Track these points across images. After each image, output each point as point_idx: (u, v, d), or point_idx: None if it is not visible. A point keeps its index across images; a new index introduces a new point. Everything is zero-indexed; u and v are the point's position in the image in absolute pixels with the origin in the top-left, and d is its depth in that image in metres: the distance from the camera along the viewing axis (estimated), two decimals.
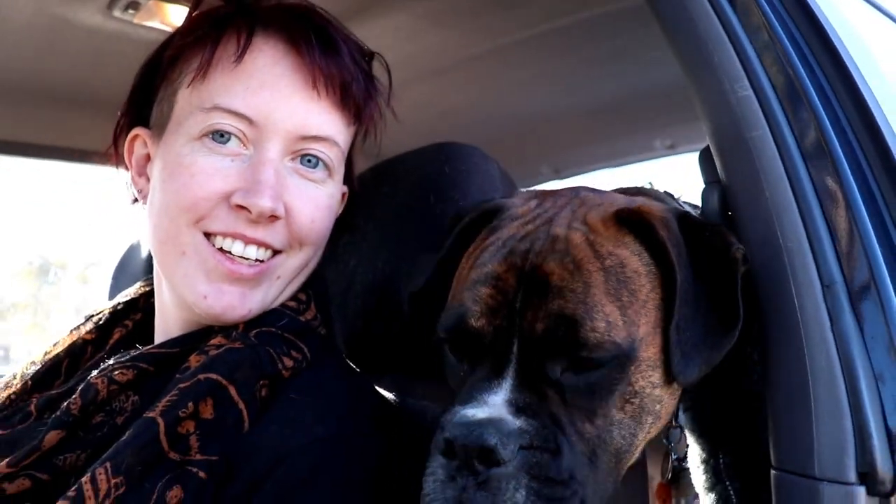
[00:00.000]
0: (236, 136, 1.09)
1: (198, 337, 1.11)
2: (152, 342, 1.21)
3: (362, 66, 1.19)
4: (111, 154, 1.25)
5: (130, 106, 1.24)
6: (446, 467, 0.87)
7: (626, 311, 0.92)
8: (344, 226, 1.21)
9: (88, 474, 0.95)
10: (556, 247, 0.95)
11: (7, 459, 1.02)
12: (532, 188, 1.13)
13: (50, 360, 1.22)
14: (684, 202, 1.17)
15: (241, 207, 1.07)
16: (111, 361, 1.09)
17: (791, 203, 0.97)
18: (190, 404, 0.98)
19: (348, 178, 1.23)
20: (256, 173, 1.08)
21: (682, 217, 0.99)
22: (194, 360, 1.05)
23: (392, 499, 0.99)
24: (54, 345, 1.25)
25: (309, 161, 1.13)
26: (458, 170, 1.16)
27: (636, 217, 0.96)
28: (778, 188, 0.98)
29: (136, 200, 1.23)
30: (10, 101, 2.06)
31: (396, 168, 1.27)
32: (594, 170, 2.90)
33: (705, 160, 1.12)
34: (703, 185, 1.13)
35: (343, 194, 1.22)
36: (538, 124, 2.62)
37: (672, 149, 2.68)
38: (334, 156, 1.16)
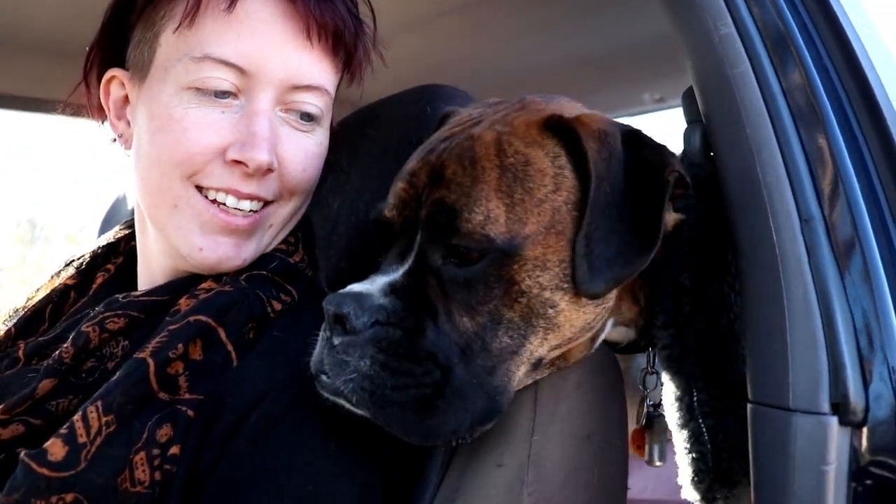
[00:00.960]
0: (229, 91, 1.08)
1: (186, 283, 1.12)
2: (135, 286, 1.21)
3: (353, 12, 1.18)
4: (84, 94, 1.23)
5: (102, 43, 1.22)
6: (323, 334, 0.95)
7: (514, 208, 0.94)
8: (326, 166, 1.21)
9: (80, 412, 0.96)
10: (464, 144, 0.98)
11: (0, 406, 1.03)
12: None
13: (33, 306, 1.22)
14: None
15: (237, 162, 1.07)
16: (101, 308, 1.10)
17: (771, 138, 0.97)
18: (180, 346, 0.99)
19: None
20: (251, 125, 1.07)
21: (630, 134, 0.99)
22: (184, 304, 1.06)
23: (370, 431, 1.00)
24: (36, 290, 1.25)
25: (303, 117, 1.13)
26: (439, 109, 1.16)
27: (566, 125, 0.98)
28: (758, 124, 0.98)
29: (114, 140, 1.22)
30: None
31: (378, 111, 1.26)
32: None
33: (687, 100, 1.12)
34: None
35: None
36: (526, 77, 2.60)
37: (661, 102, 2.67)
38: (324, 104, 1.15)
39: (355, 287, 0.95)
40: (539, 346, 0.97)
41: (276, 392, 0.99)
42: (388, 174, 1.07)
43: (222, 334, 1.02)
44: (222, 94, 1.07)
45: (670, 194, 0.96)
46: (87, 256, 1.28)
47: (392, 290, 0.95)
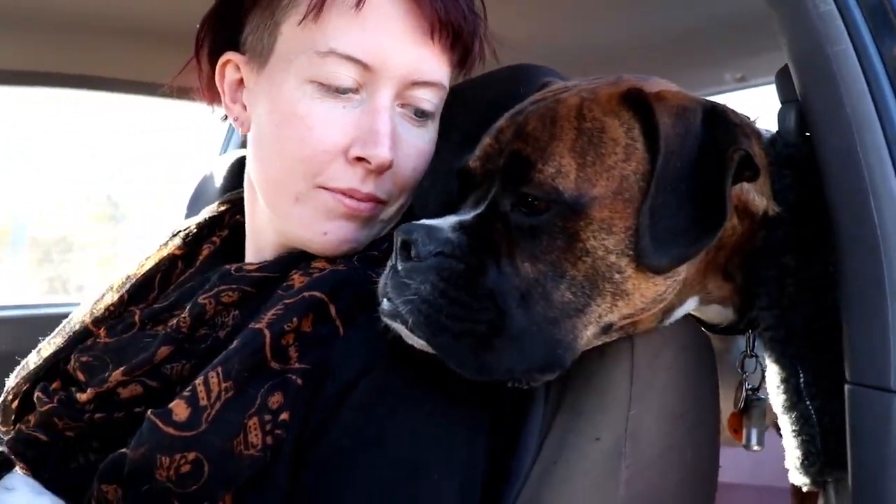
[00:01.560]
0: (351, 87, 1.10)
1: (295, 259, 1.16)
2: (239, 258, 1.27)
3: (472, 8, 1.19)
4: (195, 73, 1.28)
5: (214, 23, 1.26)
6: (390, 262, 1.00)
7: (584, 168, 0.97)
8: None
9: (202, 377, 1.02)
10: (549, 105, 1.03)
11: (122, 368, 1.10)
12: None
13: (143, 274, 1.29)
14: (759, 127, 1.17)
15: (360, 159, 1.10)
16: (215, 280, 1.16)
17: (873, 117, 0.96)
18: (294, 319, 1.04)
19: None
20: (373, 123, 1.10)
21: (712, 111, 1.00)
22: (298, 280, 1.10)
23: (473, 402, 1.03)
24: (147, 258, 1.31)
25: (419, 112, 1.16)
26: (531, 91, 1.17)
27: (643, 99, 1.00)
28: (860, 102, 0.97)
29: (224, 118, 1.27)
30: (85, 35, 2.12)
31: (470, 91, 1.28)
32: None
33: (782, 79, 1.11)
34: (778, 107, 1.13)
35: None
36: (603, 56, 2.59)
37: (742, 81, 2.63)
38: (438, 99, 1.18)
39: (427, 220, 0.99)
40: (609, 312, 0.99)
41: (382, 364, 1.02)
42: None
43: (332, 310, 1.06)
44: (344, 89, 1.10)
45: (733, 171, 0.95)
46: (192, 228, 1.34)
47: (461, 227, 0.99)
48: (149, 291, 1.26)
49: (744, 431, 1.23)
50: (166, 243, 1.33)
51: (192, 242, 1.32)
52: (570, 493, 0.99)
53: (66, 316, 1.31)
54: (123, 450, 1.01)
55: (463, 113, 1.27)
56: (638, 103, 1.00)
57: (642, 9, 2.26)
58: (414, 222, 0.98)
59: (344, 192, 1.11)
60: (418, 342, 0.97)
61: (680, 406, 1.03)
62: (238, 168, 1.85)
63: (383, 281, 0.99)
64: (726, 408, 1.26)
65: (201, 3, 1.27)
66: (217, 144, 2.78)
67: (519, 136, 1.01)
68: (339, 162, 1.11)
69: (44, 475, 1.06)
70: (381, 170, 1.11)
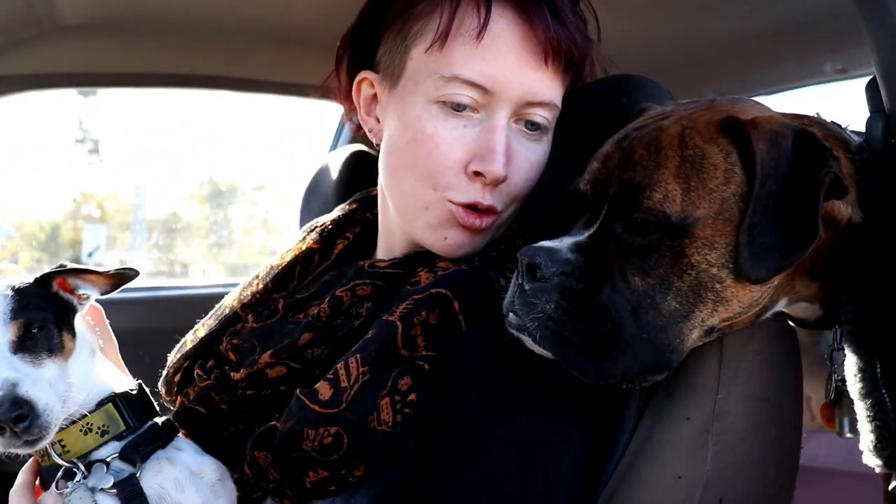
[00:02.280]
0: (470, 105, 1.23)
1: (421, 258, 1.31)
2: (370, 252, 1.42)
3: (584, 32, 1.30)
4: (331, 87, 1.44)
5: (353, 41, 1.40)
6: (515, 281, 1.10)
7: (689, 192, 1.06)
8: None
9: (342, 362, 1.17)
10: (652, 133, 1.12)
11: (269, 351, 1.26)
12: None
13: (285, 265, 1.45)
14: (851, 131, 1.23)
15: (477, 173, 1.23)
16: (351, 275, 1.31)
17: None
18: (423, 312, 1.18)
19: None
20: (490, 140, 1.22)
21: (801, 135, 1.07)
22: (425, 277, 1.25)
23: (582, 388, 1.13)
24: (287, 251, 1.48)
25: (531, 125, 1.27)
26: (635, 100, 1.27)
27: (739, 126, 1.08)
28: None
29: (359, 129, 1.43)
30: (227, 38, 2.31)
31: (576, 101, 1.36)
32: (762, 94, 2.84)
33: (871, 90, 1.18)
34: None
35: None
36: (703, 49, 2.61)
37: (843, 73, 2.61)
38: (551, 116, 1.29)
39: (546, 243, 1.10)
40: (710, 317, 1.08)
41: (501, 355, 1.15)
42: (584, 160, 1.20)
43: (456, 305, 1.20)
44: (464, 108, 1.23)
45: (825, 192, 1.03)
46: (328, 224, 1.50)
47: (577, 248, 1.09)
48: (289, 281, 1.43)
49: (836, 420, 1.30)
50: (304, 238, 1.49)
51: (328, 237, 1.47)
52: (661, 466, 1.10)
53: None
54: (274, 423, 1.18)
55: (572, 122, 1.36)
56: (734, 130, 1.08)
57: (743, 2, 2.29)
58: (535, 245, 1.08)
59: (466, 206, 1.25)
60: (544, 352, 1.08)
61: (764, 390, 1.12)
62: (353, 163, 1.98)
63: (510, 298, 1.10)
64: (818, 398, 1.34)
65: (347, 18, 1.41)
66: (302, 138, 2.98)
67: (627, 164, 1.11)
68: (461, 176, 1.24)
69: (202, 441, 1.23)
70: (496, 183, 1.23)
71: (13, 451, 1.06)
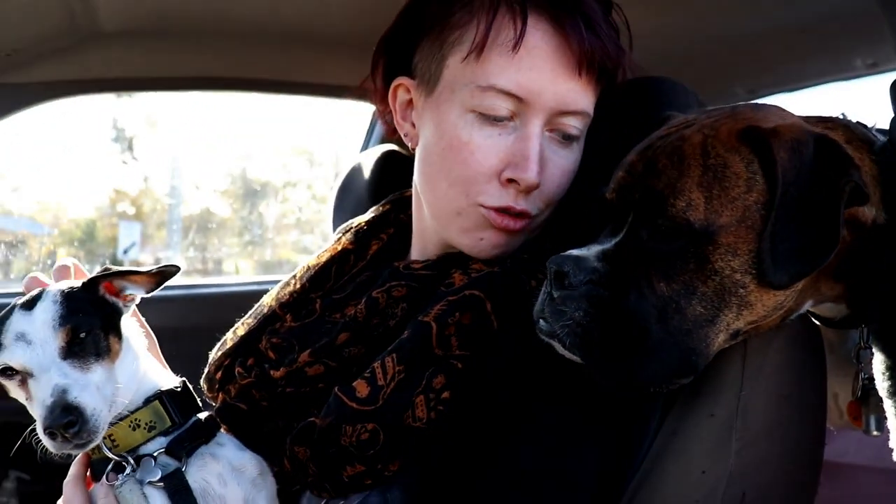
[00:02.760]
0: (506, 115, 1.26)
1: (454, 259, 1.34)
2: (405, 253, 1.46)
3: (617, 43, 1.32)
4: (369, 90, 1.47)
5: (387, 49, 1.44)
6: (545, 289, 1.13)
7: (711, 201, 1.08)
8: None
9: (379, 361, 1.22)
10: (675, 143, 1.13)
11: (308, 350, 1.31)
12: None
13: (321, 265, 1.49)
14: (877, 130, 1.24)
15: (511, 181, 1.27)
16: (386, 276, 1.35)
17: None
18: (457, 314, 1.22)
19: None
20: (524, 149, 1.26)
21: (822, 143, 1.09)
22: (458, 279, 1.29)
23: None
24: (324, 251, 1.53)
25: (565, 135, 1.30)
26: (659, 107, 1.29)
27: (760, 134, 1.10)
28: None
29: (393, 132, 1.47)
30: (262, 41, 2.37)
31: (602, 106, 1.37)
32: (791, 90, 2.83)
33: (895, 91, 1.19)
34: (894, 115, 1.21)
35: None
36: (731, 43, 2.59)
37: (874, 67, 2.59)
38: (584, 125, 1.32)
39: (574, 251, 1.13)
40: (735, 320, 1.11)
41: (532, 354, 1.18)
42: (608, 167, 1.22)
43: (489, 306, 1.24)
44: (500, 118, 1.26)
45: (846, 200, 1.05)
46: (363, 225, 1.54)
47: (604, 256, 1.12)
48: (326, 280, 1.47)
49: (863, 418, 1.31)
50: (339, 238, 1.53)
51: (363, 238, 1.51)
52: (686, 461, 1.13)
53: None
54: (313, 419, 1.23)
55: (597, 131, 1.39)
56: (756, 139, 1.10)
57: None
58: (564, 254, 1.11)
59: (497, 210, 1.28)
60: (574, 357, 1.11)
61: (787, 388, 1.15)
62: (385, 163, 2.01)
63: (539, 305, 1.13)
64: (846, 396, 1.35)
65: (385, 22, 1.45)
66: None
67: (651, 173, 1.13)
68: (494, 182, 1.28)
69: (242, 437, 1.27)
70: (529, 190, 1.27)
71: (65, 451, 1.11)
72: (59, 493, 1.23)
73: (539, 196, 1.30)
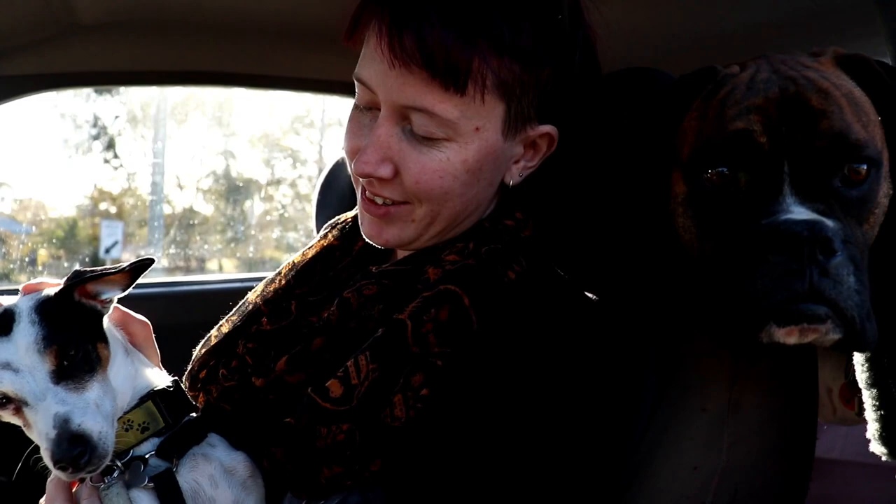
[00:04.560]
0: (365, 105, 1.26)
1: (428, 254, 1.30)
2: (390, 251, 1.43)
3: (465, 35, 1.19)
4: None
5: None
6: (782, 264, 0.99)
7: (866, 128, 1.06)
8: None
9: (352, 360, 1.19)
10: (799, 81, 1.08)
11: (284, 358, 1.27)
12: None
13: (306, 261, 1.46)
14: None
15: None
16: (359, 277, 1.32)
17: None
18: (432, 310, 1.19)
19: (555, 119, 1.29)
20: (368, 138, 1.24)
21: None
22: (432, 273, 1.25)
23: (603, 378, 1.14)
24: (309, 248, 1.49)
25: (415, 135, 1.22)
26: (644, 95, 1.28)
27: (855, 57, 1.10)
28: None
29: None
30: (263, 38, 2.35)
31: (586, 95, 1.34)
32: None
33: None
34: None
35: (545, 134, 1.29)
36: (715, 39, 2.58)
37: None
38: (436, 125, 1.22)
39: (801, 215, 1.00)
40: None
41: (517, 350, 1.16)
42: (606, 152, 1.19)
43: (466, 301, 1.20)
44: (367, 108, 1.26)
45: None
46: (349, 220, 1.51)
47: (823, 212, 1.02)
48: (310, 277, 1.44)
49: (855, 401, 1.30)
50: (326, 235, 1.50)
51: (349, 234, 1.48)
52: (678, 457, 1.12)
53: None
54: (288, 419, 1.19)
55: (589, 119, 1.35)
56: (847, 61, 1.11)
57: None
58: (799, 220, 0.99)
59: (362, 191, 1.29)
60: (834, 337, 1.01)
61: (779, 383, 1.14)
62: None
63: (803, 284, 0.98)
64: (838, 392, 1.35)
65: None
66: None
67: (810, 114, 1.05)
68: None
69: (228, 437, 1.24)
70: (367, 179, 1.25)
71: (76, 479, 1.08)
72: (39, 495, 1.20)
73: (398, 188, 1.25)
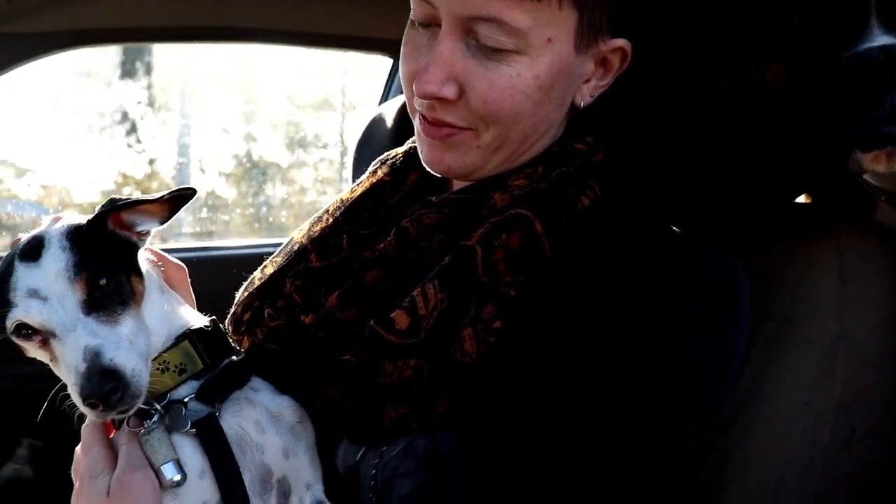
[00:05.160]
0: (423, 21, 1.14)
1: (493, 182, 1.20)
2: (445, 185, 1.32)
3: None
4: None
5: None
6: (862, 90, 0.97)
7: None
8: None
9: (419, 288, 1.09)
10: None
11: (336, 293, 1.18)
12: None
13: (355, 199, 1.37)
14: None
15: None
16: (418, 206, 1.23)
17: None
18: (503, 235, 1.09)
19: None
20: (427, 56, 1.13)
21: None
22: (499, 199, 1.15)
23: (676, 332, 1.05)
24: (358, 184, 1.40)
25: (486, 47, 1.12)
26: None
27: None
28: None
29: None
30: None
31: None
32: None
33: None
34: None
35: (617, 49, 1.18)
36: None
37: None
38: (505, 35, 1.11)
39: (881, 41, 0.98)
40: None
41: (590, 287, 1.06)
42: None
43: (538, 226, 1.10)
44: (424, 25, 1.14)
45: None
46: (399, 156, 1.41)
47: None
48: (360, 214, 1.35)
49: None
50: (375, 171, 1.40)
51: (400, 169, 1.38)
52: (784, 392, 1.02)
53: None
54: (347, 356, 1.10)
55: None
56: None
57: None
58: (878, 45, 0.98)
59: (422, 116, 1.16)
60: None
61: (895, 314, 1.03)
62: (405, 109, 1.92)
63: (876, 111, 0.97)
64: None
65: None
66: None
67: None
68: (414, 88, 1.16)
69: (275, 380, 1.15)
70: (432, 100, 1.13)
71: (107, 419, 1.00)
72: (72, 461, 1.12)
73: (463, 110, 1.14)
